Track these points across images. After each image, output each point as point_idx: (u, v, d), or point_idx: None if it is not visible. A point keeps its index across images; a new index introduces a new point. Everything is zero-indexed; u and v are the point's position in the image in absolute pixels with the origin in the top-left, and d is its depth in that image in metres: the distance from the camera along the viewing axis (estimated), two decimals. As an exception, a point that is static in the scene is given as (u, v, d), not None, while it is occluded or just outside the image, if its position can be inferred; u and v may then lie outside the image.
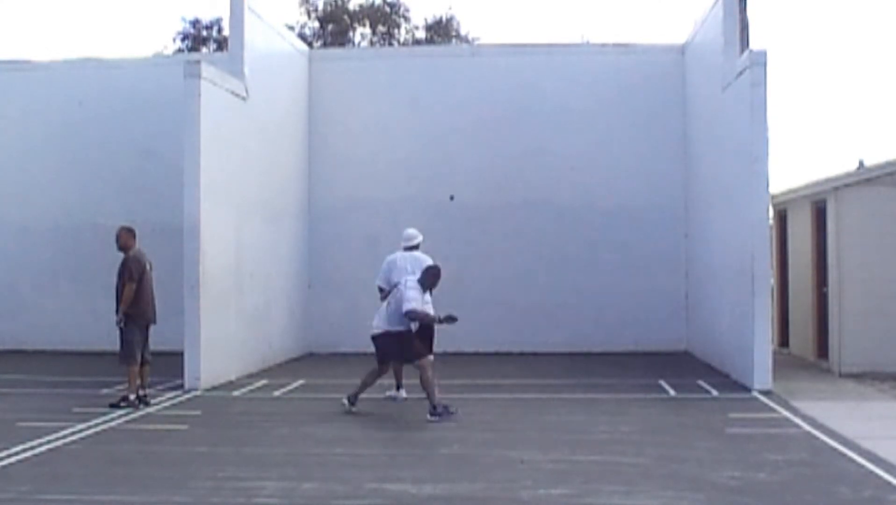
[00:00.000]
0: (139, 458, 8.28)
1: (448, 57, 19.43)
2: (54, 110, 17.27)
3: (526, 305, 16.99)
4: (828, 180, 14.36)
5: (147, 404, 10.83)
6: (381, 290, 11.19)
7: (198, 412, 10.63)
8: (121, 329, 10.84)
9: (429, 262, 10.97)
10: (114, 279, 11.00)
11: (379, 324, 10.48)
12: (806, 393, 11.63)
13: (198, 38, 33.57)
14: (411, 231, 11.66)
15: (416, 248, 11.50)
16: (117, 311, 10.85)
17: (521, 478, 7.38)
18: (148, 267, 11.10)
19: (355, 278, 17.27)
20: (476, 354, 16.46)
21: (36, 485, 7.20)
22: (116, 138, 16.96)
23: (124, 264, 10.92)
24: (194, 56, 25.44)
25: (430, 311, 10.55)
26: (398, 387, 11.50)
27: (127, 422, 9.95)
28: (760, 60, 12.00)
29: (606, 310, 16.96)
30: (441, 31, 33.65)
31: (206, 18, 33.86)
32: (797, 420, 9.80)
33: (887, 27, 48.19)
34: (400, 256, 11.39)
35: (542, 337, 16.79)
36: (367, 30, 34.03)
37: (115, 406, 10.60)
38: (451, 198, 11.24)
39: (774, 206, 16.38)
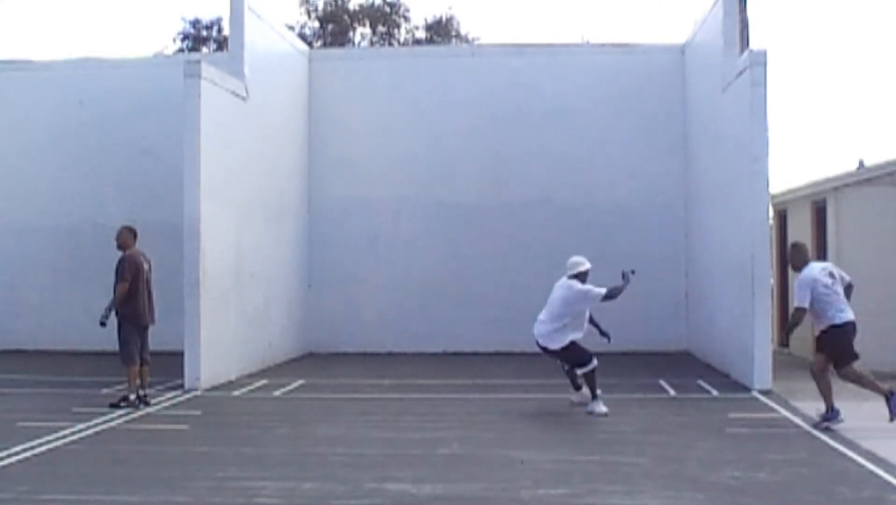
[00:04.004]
0: (139, 458, 8.27)
1: (448, 57, 19.40)
2: (54, 110, 17.27)
3: (526, 305, 16.82)
4: (828, 180, 14.36)
5: (147, 404, 10.82)
6: None
7: (198, 412, 10.63)
8: (118, 330, 10.82)
9: (567, 292, 10.92)
10: (113, 279, 11.00)
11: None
12: (806, 393, 11.58)
13: (198, 38, 33.59)
14: (575, 259, 11.17)
15: (578, 276, 10.93)
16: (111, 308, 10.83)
17: (521, 478, 7.37)
18: (146, 267, 11.09)
19: (355, 278, 17.36)
20: (476, 353, 16.47)
21: (36, 485, 7.19)
22: (116, 138, 16.97)
23: (120, 263, 10.92)
24: (194, 56, 25.46)
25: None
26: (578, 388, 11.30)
27: (127, 422, 9.94)
28: (760, 60, 12.01)
29: (606, 310, 16.84)
30: (441, 31, 33.66)
31: (206, 18, 34.00)
32: (797, 420, 9.80)
33: (887, 27, 48.21)
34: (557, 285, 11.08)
35: (542, 337, 16.74)
36: (367, 30, 34.05)
37: (115, 406, 10.60)
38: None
39: (774, 206, 16.37)
